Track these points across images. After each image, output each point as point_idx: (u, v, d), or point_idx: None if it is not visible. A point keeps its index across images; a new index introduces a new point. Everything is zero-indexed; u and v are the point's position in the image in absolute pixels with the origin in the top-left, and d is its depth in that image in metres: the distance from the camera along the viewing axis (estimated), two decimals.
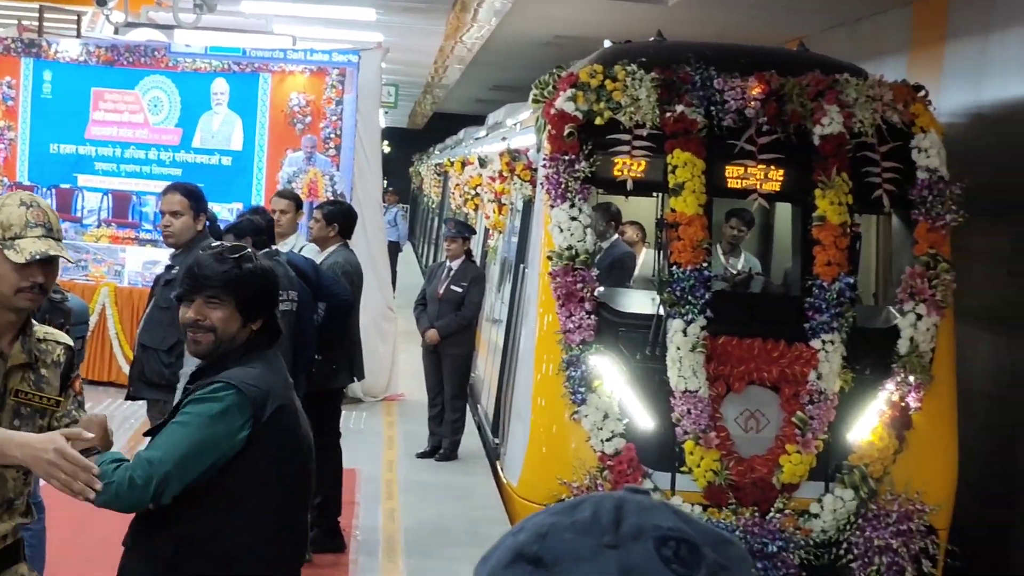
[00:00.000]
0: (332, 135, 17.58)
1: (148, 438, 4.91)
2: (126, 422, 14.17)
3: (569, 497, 9.90)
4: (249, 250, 5.11)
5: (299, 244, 11.80)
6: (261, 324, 5.03)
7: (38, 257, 4.72)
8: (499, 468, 12.16)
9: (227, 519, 4.82)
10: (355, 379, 12.37)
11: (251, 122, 17.70)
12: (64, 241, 4.97)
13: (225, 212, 16.23)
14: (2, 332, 4.85)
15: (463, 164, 20.23)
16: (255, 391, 4.85)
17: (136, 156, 17.71)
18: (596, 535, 1.40)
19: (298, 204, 12.22)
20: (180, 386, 8.99)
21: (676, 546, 1.40)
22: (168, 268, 9.61)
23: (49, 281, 4.87)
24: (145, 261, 17.23)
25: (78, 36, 18.80)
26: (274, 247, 10.48)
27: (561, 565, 1.38)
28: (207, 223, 9.89)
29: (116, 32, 19.28)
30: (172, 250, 9.66)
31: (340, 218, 11.83)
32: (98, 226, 17.61)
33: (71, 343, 5.12)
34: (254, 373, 4.91)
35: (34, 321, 5.04)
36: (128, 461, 4.70)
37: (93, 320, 16.20)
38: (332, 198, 15.88)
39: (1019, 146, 12.48)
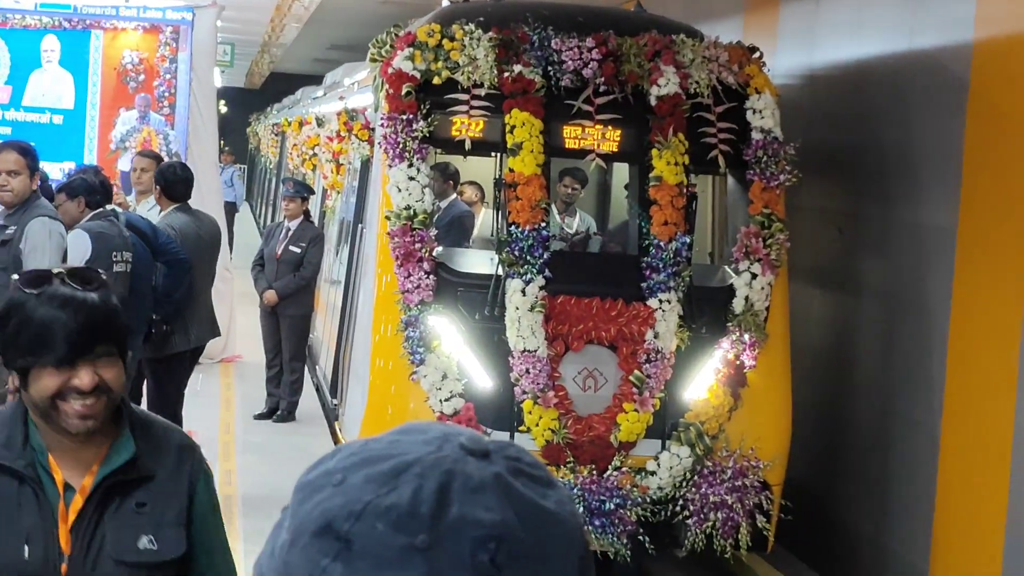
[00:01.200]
0: (166, 94, 17.36)
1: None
2: None
3: None
4: (95, 271, 3.60)
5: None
6: None
7: None
8: (338, 429, 12.12)
9: None
10: (191, 343, 12.24)
11: (83, 80, 17.42)
12: None
13: (56, 171, 15.95)
14: None
15: (301, 124, 20.09)
16: None
17: None
18: (410, 531, 1.29)
19: (159, 163, 12.13)
20: None
21: (495, 549, 1.29)
22: (2, 228, 9.42)
23: None
24: None
25: None
26: (110, 207, 10.35)
27: (365, 561, 1.29)
28: (39, 183, 9.73)
29: None
30: (2, 208, 9.48)
31: (160, 180, 11.62)
32: None
33: None
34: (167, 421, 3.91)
35: None
36: None
37: None
38: (169, 158, 15.69)
39: (850, 107, 12.68)
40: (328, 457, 1.39)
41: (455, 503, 1.31)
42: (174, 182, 11.59)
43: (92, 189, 10.02)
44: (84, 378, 3.41)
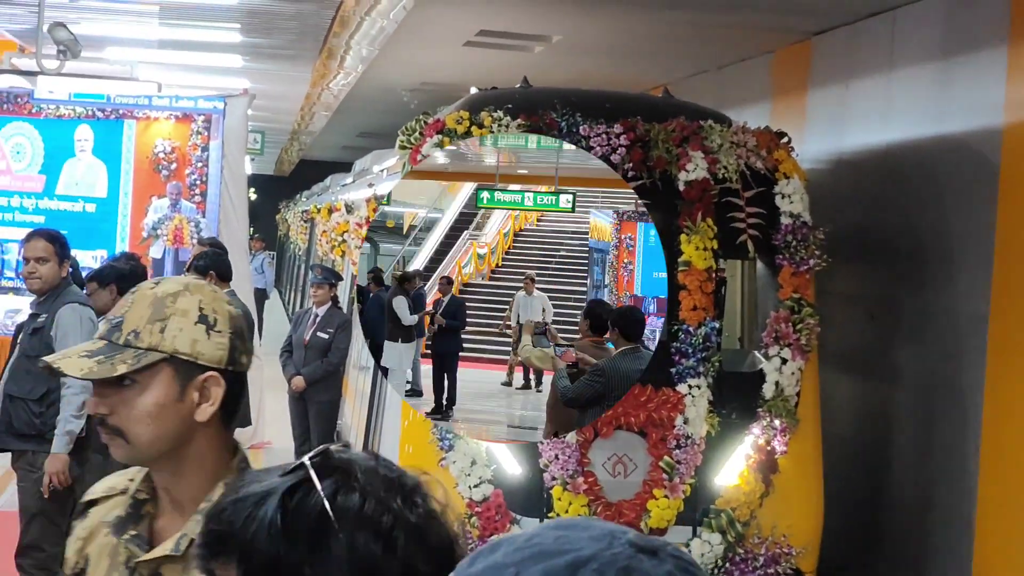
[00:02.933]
0: (198, 182, 17.46)
1: None
2: None
3: None
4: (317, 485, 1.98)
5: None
6: None
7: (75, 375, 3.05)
8: None
9: None
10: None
11: (115, 169, 17.54)
12: None
13: (89, 259, 16.03)
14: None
15: (330, 211, 20.16)
16: None
17: None
18: None
19: (222, 250, 12.24)
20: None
21: None
22: (33, 316, 9.43)
23: (116, 410, 3.05)
24: (7, 309, 16.95)
25: None
26: None
27: None
28: (70, 270, 9.76)
29: None
30: (34, 297, 9.50)
31: (214, 265, 11.75)
32: None
33: None
34: None
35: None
36: None
37: None
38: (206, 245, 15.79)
39: (880, 191, 12.66)
40: (487, 551, 1.38)
41: None
42: (228, 264, 11.77)
43: (123, 276, 10.05)
44: None
